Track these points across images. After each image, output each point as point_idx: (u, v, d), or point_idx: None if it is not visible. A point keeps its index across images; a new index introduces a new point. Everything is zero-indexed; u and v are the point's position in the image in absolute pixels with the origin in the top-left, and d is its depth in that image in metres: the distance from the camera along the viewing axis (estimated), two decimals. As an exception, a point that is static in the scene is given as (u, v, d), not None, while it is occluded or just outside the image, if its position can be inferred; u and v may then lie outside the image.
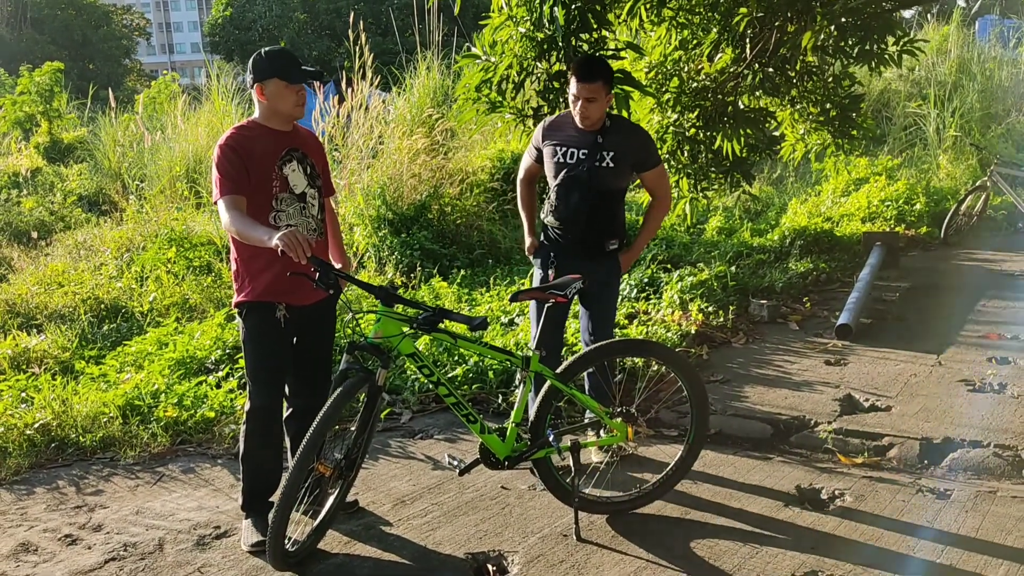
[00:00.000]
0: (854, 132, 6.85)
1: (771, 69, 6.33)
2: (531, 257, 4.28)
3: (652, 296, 6.75)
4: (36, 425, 4.60)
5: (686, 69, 6.56)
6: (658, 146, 6.64)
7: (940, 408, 4.70)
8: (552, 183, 4.05)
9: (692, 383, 3.72)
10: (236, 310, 3.59)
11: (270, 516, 3.18)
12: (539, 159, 4.18)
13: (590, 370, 3.87)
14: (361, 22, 9.93)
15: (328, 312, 3.75)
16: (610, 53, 5.33)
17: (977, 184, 9.40)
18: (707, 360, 5.70)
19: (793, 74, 6.46)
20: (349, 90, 9.31)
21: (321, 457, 3.28)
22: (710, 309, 6.36)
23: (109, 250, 8.20)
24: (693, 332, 5.94)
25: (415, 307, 3.37)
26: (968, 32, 20.79)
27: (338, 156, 8.96)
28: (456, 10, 5.41)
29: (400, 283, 7.30)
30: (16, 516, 3.89)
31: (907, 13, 23.89)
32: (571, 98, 3.93)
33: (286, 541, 3.20)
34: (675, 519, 3.67)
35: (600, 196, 3.97)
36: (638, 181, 4.37)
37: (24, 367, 5.57)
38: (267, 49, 3.48)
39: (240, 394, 4.92)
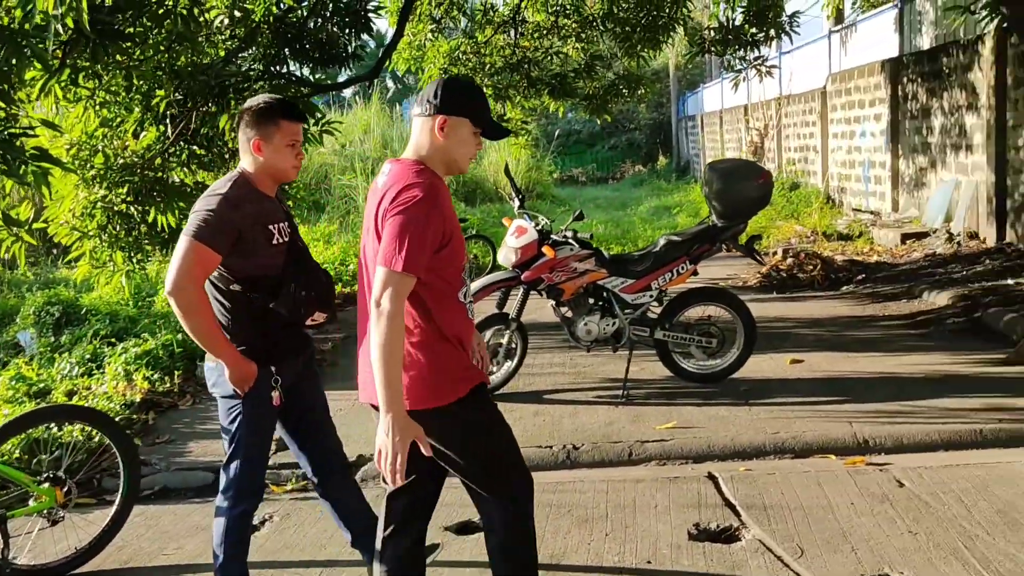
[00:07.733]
0: (290, 202, 7.65)
1: (196, 147, 6.84)
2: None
3: (95, 371, 6.73)
4: None
5: (112, 146, 6.75)
6: (87, 221, 6.71)
7: (356, 434, 5.53)
8: None
9: (122, 445, 3.98)
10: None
11: None
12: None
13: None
14: None
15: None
16: (21, 131, 5.34)
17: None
18: (153, 424, 5.92)
19: (225, 151, 7.02)
20: None
21: None
22: (156, 377, 6.57)
23: None
24: (138, 400, 6.11)
25: None
26: (394, 112, 23.66)
27: None
28: None
29: None
30: None
31: (346, 92, 26.27)
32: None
33: None
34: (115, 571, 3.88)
35: None
36: None
37: None
38: (465, 79, 2.65)
39: None
